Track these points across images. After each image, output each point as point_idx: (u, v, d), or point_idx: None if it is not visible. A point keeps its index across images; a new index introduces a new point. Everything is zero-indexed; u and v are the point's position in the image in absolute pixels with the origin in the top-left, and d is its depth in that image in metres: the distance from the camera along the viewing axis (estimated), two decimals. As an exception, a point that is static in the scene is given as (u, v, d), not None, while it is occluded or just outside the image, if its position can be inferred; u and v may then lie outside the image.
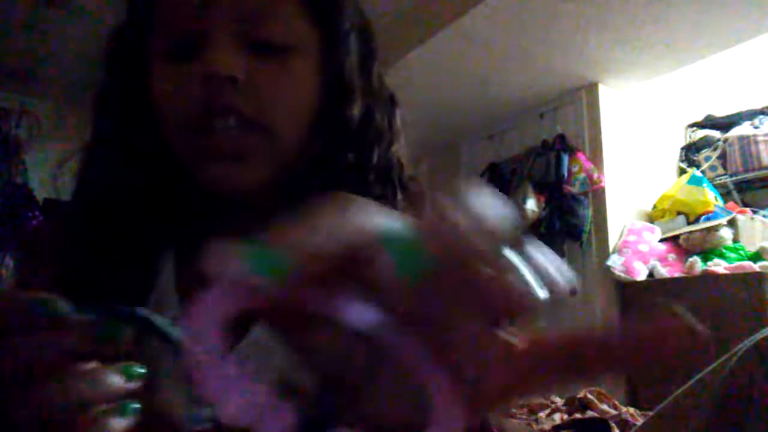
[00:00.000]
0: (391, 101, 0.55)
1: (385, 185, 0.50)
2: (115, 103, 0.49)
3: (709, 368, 0.46)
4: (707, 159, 2.87)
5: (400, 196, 0.51)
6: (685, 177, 2.75)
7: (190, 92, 0.43)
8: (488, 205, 0.17)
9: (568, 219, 2.59)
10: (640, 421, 1.11)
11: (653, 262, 2.46)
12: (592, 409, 1.24)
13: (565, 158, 2.65)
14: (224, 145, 0.43)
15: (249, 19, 0.44)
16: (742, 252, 2.35)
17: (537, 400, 1.31)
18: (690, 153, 2.97)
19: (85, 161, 0.50)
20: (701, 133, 2.99)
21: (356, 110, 0.50)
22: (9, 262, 2.58)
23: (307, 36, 0.47)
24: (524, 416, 1.29)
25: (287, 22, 0.46)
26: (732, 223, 2.44)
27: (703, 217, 2.55)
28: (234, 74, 0.42)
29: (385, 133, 0.52)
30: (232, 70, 0.42)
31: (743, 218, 2.47)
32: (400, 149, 0.53)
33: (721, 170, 2.83)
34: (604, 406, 1.25)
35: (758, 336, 0.44)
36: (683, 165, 2.96)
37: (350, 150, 0.49)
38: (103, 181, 0.48)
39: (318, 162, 0.47)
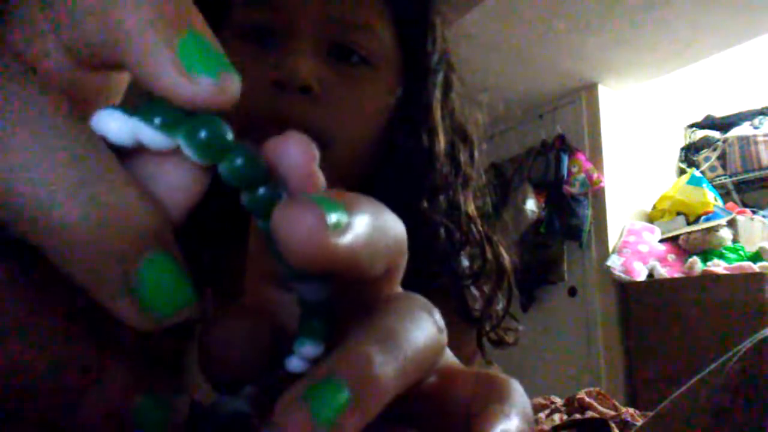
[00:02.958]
0: (468, 139, 0.51)
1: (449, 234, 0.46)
2: None
3: (709, 368, 0.46)
4: (707, 159, 2.87)
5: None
6: (685, 177, 2.75)
7: (259, 90, 0.41)
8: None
9: (568, 219, 2.59)
10: (640, 422, 1.11)
11: (653, 262, 2.46)
12: (591, 410, 1.23)
13: (565, 158, 2.65)
14: None
15: (338, 21, 0.42)
16: (741, 252, 2.35)
17: (536, 401, 1.31)
18: (690, 153, 2.96)
19: None
20: (701, 134, 2.99)
21: (441, 147, 0.47)
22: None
23: (391, 54, 0.45)
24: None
25: (375, 34, 0.44)
26: (732, 224, 2.43)
27: (702, 218, 2.55)
28: (310, 84, 0.40)
29: (471, 178, 0.49)
30: (309, 81, 0.40)
31: (743, 218, 2.47)
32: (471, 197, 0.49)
33: (720, 170, 2.83)
34: (604, 407, 1.25)
35: (758, 336, 0.44)
36: (683, 165, 2.95)
37: (429, 190, 0.46)
38: None
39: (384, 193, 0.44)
